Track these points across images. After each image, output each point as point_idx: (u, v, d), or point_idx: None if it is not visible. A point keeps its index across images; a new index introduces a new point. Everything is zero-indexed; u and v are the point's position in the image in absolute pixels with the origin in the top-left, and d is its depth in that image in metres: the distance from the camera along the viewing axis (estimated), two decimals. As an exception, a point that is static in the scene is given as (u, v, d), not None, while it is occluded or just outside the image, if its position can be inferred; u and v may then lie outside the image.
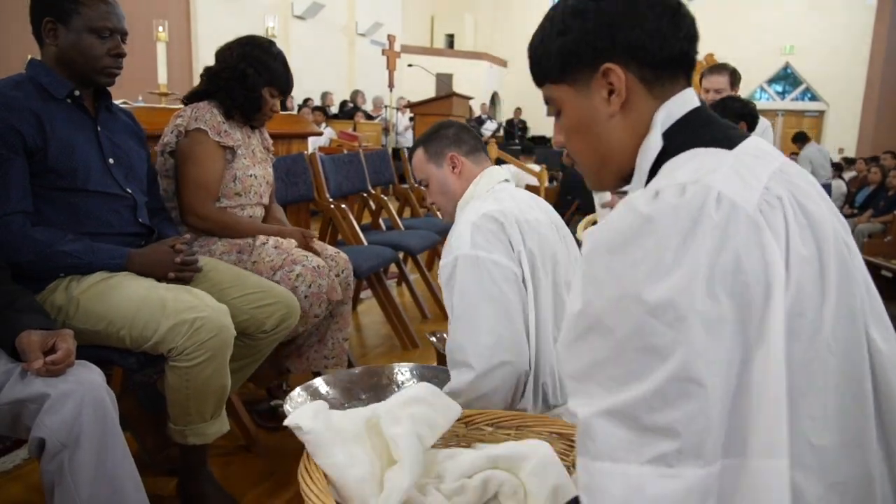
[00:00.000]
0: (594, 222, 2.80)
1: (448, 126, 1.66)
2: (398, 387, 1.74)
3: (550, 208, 1.64)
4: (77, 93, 1.60)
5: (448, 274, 1.44)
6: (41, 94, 1.55)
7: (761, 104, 14.77)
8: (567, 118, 0.86)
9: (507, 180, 1.61)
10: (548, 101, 0.89)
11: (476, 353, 1.37)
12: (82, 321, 1.49)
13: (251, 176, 2.04)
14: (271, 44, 2.08)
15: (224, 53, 2.05)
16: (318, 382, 1.63)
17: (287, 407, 1.53)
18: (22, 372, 1.21)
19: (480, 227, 1.43)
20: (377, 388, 1.71)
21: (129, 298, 1.50)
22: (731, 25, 14.19)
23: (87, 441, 1.18)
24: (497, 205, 1.48)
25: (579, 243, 2.28)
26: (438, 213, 1.59)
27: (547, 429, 1.25)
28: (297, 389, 1.59)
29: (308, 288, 1.92)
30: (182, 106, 2.07)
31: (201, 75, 2.07)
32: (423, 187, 1.70)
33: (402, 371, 1.76)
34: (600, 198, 3.30)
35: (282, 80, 2.05)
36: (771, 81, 15.51)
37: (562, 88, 0.85)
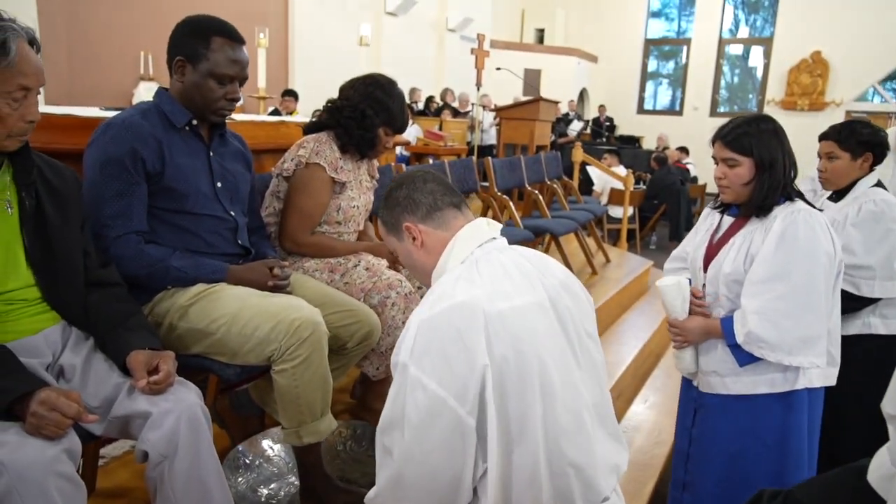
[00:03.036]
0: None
1: (398, 186, 1.32)
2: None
3: (552, 271, 1.28)
4: (194, 122, 1.76)
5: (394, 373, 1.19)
6: (163, 121, 1.72)
7: (872, 106, 13.82)
8: None
9: (493, 238, 1.29)
10: None
11: (380, 484, 1.18)
12: (190, 321, 1.65)
13: (354, 207, 2.17)
14: (393, 84, 2.17)
15: (347, 91, 2.16)
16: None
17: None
18: (130, 388, 1.39)
19: (429, 333, 1.12)
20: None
21: (234, 297, 1.66)
22: (840, 21, 13.31)
23: (182, 452, 1.35)
24: (465, 292, 1.15)
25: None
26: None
27: None
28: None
29: (402, 315, 2.04)
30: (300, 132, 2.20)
31: (324, 108, 2.19)
32: None
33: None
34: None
35: (397, 120, 2.16)
36: (884, 81, 14.46)
37: None
